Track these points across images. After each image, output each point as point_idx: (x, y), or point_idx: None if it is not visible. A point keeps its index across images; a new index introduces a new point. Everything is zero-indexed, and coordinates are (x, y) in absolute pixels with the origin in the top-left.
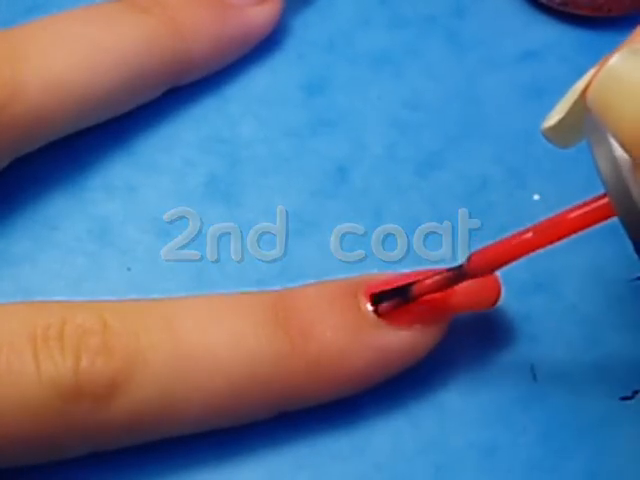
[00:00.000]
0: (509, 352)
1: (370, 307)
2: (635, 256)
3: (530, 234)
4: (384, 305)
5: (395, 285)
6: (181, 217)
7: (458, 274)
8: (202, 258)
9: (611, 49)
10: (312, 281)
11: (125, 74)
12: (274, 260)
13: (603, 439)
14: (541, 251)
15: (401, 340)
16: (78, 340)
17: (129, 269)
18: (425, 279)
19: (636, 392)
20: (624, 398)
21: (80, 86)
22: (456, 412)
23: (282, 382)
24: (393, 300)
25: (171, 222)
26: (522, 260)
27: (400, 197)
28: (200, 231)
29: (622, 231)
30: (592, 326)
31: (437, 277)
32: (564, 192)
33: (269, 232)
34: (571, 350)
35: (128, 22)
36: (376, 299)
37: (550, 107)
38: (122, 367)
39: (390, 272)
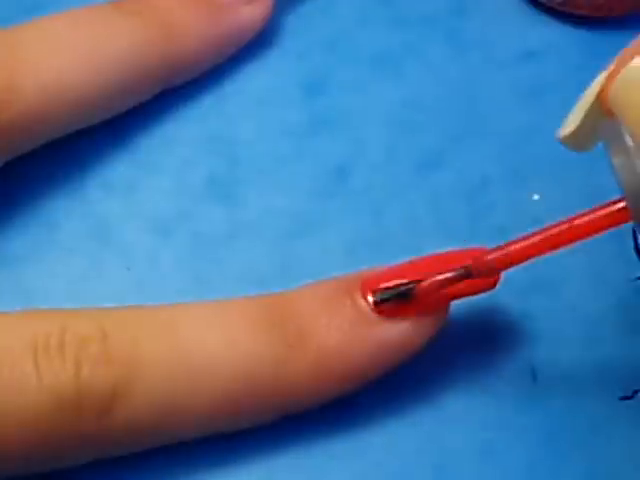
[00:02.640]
0: (509, 352)
1: (365, 303)
2: (635, 256)
3: (537, 238)
4: (385, 306)
5: (391, 280)
6: (180, 216)
7: (462, 275)
8: (201, 258)
9: (611, 49)
10: (311, 281)
11: (119, 76)
12: (274, 260)
13: (603, 439)
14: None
15: (399, 332)
16: (78, 349)
17: (129, 269)
18: (425, 280)
19: (636, 392)
20: (624, 398)
21: (76, 88)
22: (455, 412)
23: (281, 386)
24: (394, 301)
25: (170, 221)
26: None
27: (400, 197)
28: (199, 230)
29: (622, 231)
30: (592, 326)
31: (439, 277)
32: (564, 192)
33: (268, 232)
34: (571, 350)
35: (122, 25)
36: (377, 300)
37: (550, 107)
38: (122, 375)
39: (383, 266)
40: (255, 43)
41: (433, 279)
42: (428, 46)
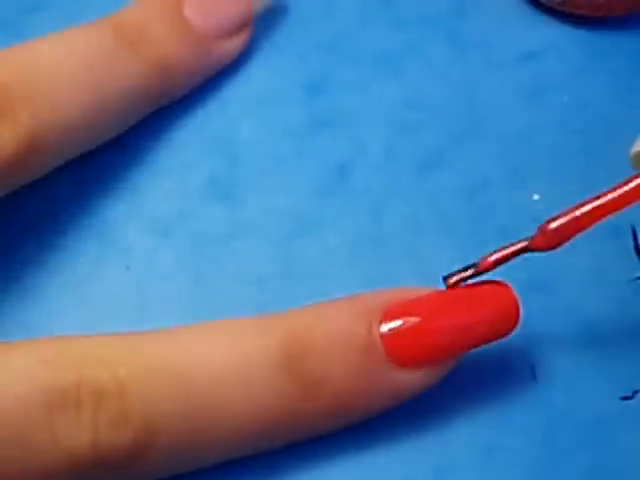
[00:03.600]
0: (509, 352)
1: (380, 341)
2: (635, 256)
3: (598, 202)
4: (453, 280)
5: (405, 315)
6: (181, 216)
7: (522, 249)
8: (201, 258)
9: (611, 49)
10: (312, 281)
11: (122, 114)
12: (274, 260)
13: (603, 439)
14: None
15: (414, 380)
16: (95, 409)
17: (129, 268)
18: (490, 255)
19: (636, 392)
20: (624, 398)
21: (86, 131)
22: (456, 412)
23: (295, 431)
24: (461, 276)
25: (171, 221)
26: (522, 260)
27: (400, 197)
28: (200, 230)
29: (622, 230)
30: (592, 326)
31: (499, 255)
32: (564, 192)
33: (269, 232)
34: (571, 350)
35: (125, 69)
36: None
37: (550, 107)
38: (140, 436)
39: (404, 290)
40: (255, 43)
41: (492, 257)
42: (428, 46)
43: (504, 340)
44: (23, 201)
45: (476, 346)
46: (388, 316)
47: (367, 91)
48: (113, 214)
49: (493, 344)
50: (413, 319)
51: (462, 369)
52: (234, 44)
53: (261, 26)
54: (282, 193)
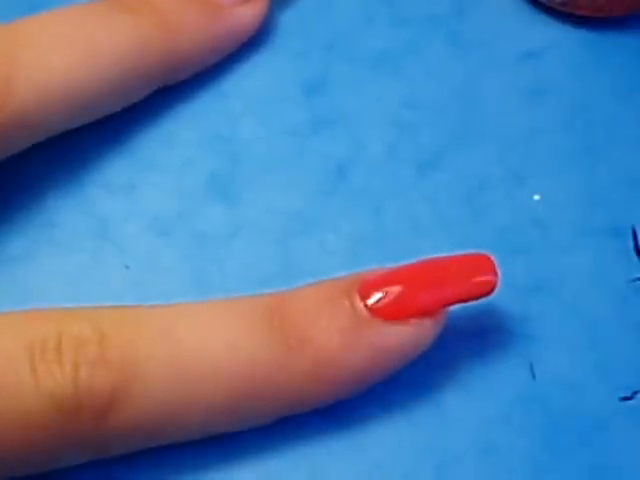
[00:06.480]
0: (509, 352)
1: (363, 305)
2: (635, 256)
3: None
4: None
5: (388, 284)
6: (181, 215)
7: None
8: (202, 257)
9: (611, 49)
10: (311, 281)
11: (117, 75)
12: (274, 260)
13: (603, 439)
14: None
15: (398, 336)
16: (75, 352)
17: (127, 267)
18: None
19: (636, 392)
20: (624, 398)
21: (74, 88)
22: (456, 412)
23: (280, 389)
24: None
25: (171, 220)
26: (522, 260)
27: (400, 197)
28: (200, 229)
29: (622, 231)
30: (592, 326)
31: None
32: (564, 192)
33: (269, 231)
34: (571, 350)
35: (121, 23)
36: None
37: (550, 107)
38: (120, 379)
39: (382, 268)
40: (255, 42)
41: None
42: (428, 46)
43: (504, 340)
44: (20, 199)
45: (455, 302)
46: (366, 287)
47: (367, 90)
48: (112, 212)
49: (493, 344)
50: (394, 288)
51: (462, 368)
52: (247, 12)
53: (261, 25)
54: (282, 192)
